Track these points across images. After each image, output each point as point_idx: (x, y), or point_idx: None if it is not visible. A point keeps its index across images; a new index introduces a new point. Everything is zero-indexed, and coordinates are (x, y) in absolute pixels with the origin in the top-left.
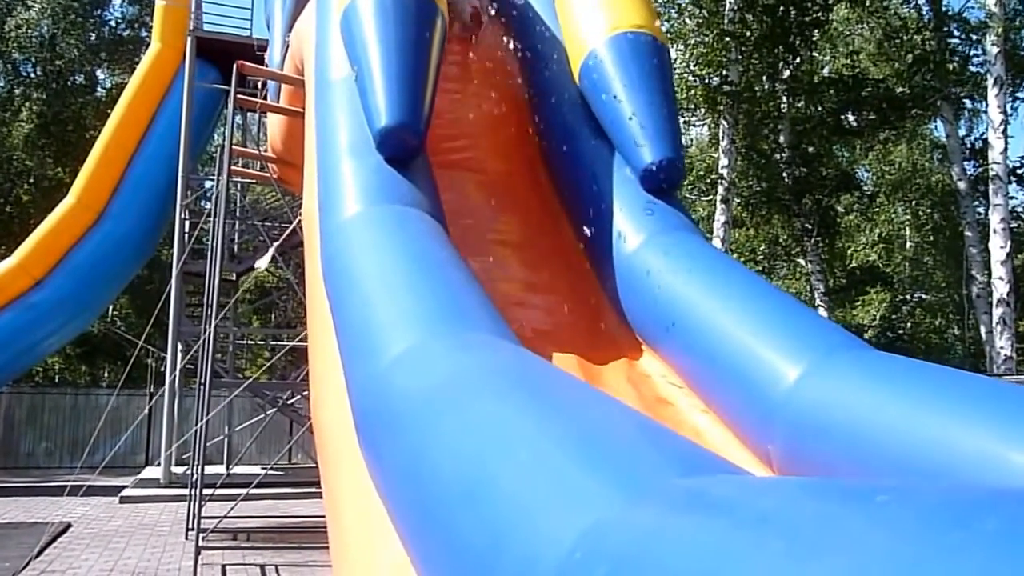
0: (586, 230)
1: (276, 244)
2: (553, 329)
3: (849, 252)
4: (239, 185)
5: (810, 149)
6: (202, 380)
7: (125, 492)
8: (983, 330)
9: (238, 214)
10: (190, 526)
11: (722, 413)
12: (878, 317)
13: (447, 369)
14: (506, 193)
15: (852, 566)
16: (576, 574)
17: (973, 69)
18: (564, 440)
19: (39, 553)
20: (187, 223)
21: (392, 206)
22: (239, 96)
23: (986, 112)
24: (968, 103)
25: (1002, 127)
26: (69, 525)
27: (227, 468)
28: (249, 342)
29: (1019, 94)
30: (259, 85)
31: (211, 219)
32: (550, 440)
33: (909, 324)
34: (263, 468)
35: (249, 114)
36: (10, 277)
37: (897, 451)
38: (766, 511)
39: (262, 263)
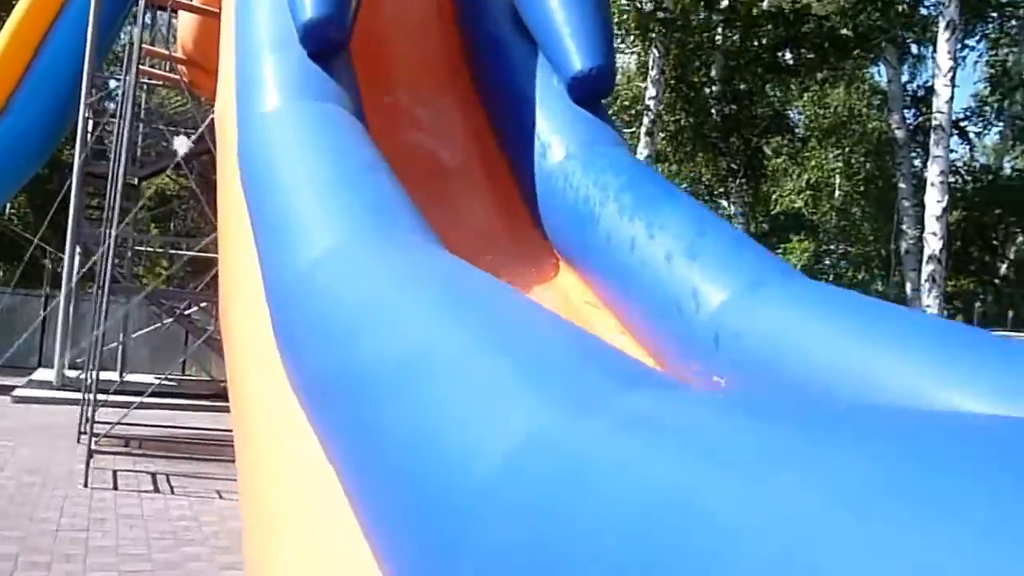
0: (509, 139)
1: (201, 129)
2: (468, 240)
3: (775, 197)
4: (145, 87)
5: (742, 86)
6: (100, 285)
7: (17, 392)
8: (909, 287)
9: (143, 117)
10: (82, 430)
11: (640, 336)
12: (799, 266)
13: (376, 269)
14: (424, 93)
15: (799, 483)
16: (508, 484)
17: (924, 11)
18: (501, 348)
19: None
20: (90, 122)
21: (315, 103)
22: None
23: (933, 58)
24: (914, 48)
25: (950, 75)
26: None
27: (120, 375)
28: (148, 249)
29: (969, 41)
30: None
31: (115, 120)
32: (487, 347)
33: (832, 276)
34: (157, 378)
35: (159, 13)
36: None
37: (821, 383)
38: (712, 429)
39: (181, 147)
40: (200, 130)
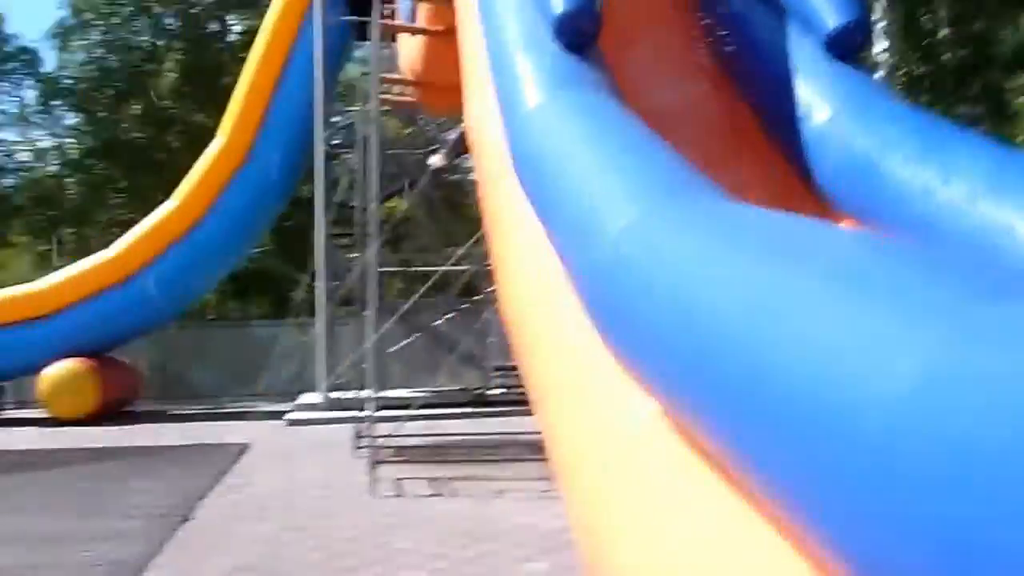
0: (765, 110)
1: (454, 139)
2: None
3: (1021, 139)
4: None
5: (975, 26)
6: (364, 308)
7: (290, 416)
8: None
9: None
10: (359, 444)
11: None
12: None
13: (698, 226)
14: (672, 78)
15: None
16: (924, 405)
17: None
18: (862, 278)
19: (229, 468)
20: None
21: (579, 92)
22: (385, 21)
23: None
24: None
25: None
26: (248, 445)
27: (383, 390)
28: (392, 269)
29: None
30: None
31: (350, 152)
32: (846, 280)
33: None
34: (418, 391)
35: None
36: (175, 218)
37: None
38: None
39: (437, 160)
40: (452, 142)
